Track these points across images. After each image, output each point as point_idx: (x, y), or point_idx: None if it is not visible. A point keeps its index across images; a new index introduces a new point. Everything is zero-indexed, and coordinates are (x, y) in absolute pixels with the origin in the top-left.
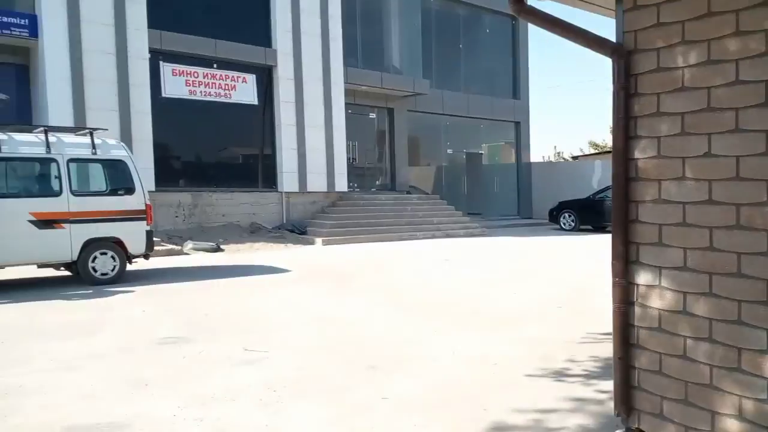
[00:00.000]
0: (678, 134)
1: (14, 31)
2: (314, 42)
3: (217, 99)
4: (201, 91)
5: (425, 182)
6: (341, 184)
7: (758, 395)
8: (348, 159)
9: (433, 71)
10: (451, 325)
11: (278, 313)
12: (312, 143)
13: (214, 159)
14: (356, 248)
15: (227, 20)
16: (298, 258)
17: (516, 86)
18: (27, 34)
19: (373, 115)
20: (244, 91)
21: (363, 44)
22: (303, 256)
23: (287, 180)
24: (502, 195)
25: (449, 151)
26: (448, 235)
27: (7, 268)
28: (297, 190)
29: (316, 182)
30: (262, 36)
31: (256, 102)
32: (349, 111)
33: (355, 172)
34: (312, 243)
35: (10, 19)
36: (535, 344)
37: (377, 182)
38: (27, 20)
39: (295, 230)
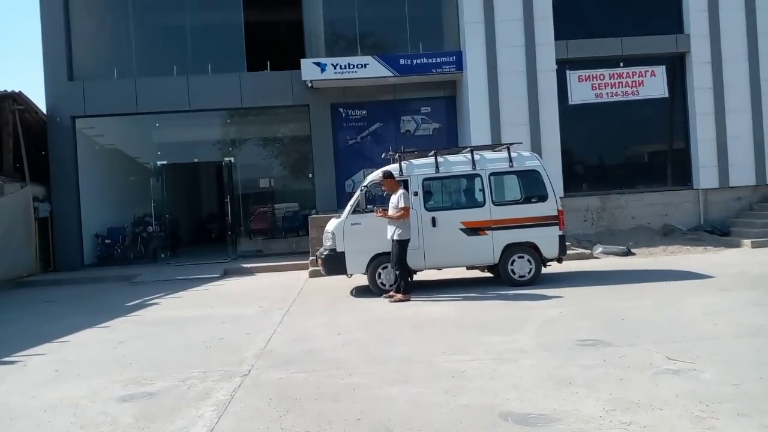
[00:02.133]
0: None
1: (445, 68)
2: (736, 16)
3: (624, 98)
4: (607, 93)
5: None
6: None
7: None
8: None
9: None
10: None
11: (700, 322)
12: (735, 131)
13: (621, 160)
14: None
15: (633, 15)
16: (720, 262)
17: None
18: (454, 69)
19: None
20: (652, 84)
21: None
22: (726, 260)
23: (704, 175)
24: None
25: None
26: None
27: (444, 270)
28: (716, 186)
29: (741, 175)
30: (673, 22)
31: (665, 94)
32: None
33: None
34: (738, 245)
35: (440, 59)
36: None
37: None
38: (454, 57)
39: (716, 231)
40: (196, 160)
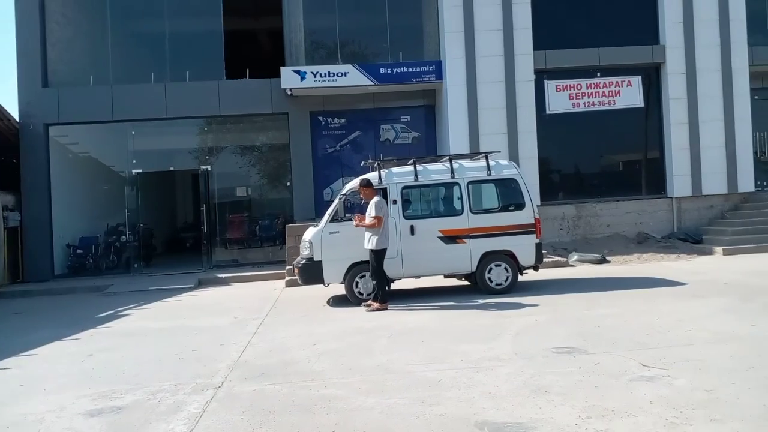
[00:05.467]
0: None
1: (425, 77)
2: (709, 28)
3: (601, 108)
4: (584, 102)
5: None
6: (746, 183)
7: None
8: (755, 153)
9: None
10: None
11: (674, 329)
12: (707, 141)
13: (597, 168)
14: (766, 258)
15: (610, 26)
16: (693, 269)
17: None
18: (433, 78)
19: None
20: (628, 94)
21: None
22: (699, 267)
23: (678, 184)
24: None
25: None
26: None
27: (421, 278)
28: (690, 194)
29: (713, 184)
30: (649, 34)
31: (641, 104)
32: (756, 97)
33: (763, 168)
34: (710, 253)
35: (420, 68)
36: None
37: None
38: (433, 66)
39: (689, 239)
40: (172, 169)
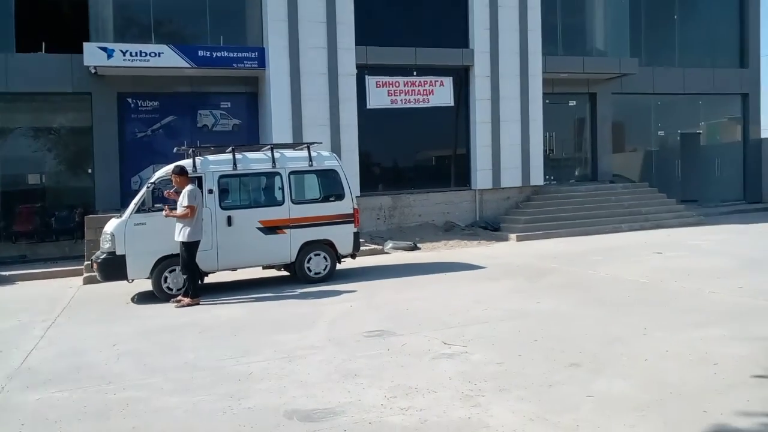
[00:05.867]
0: None
1: (247, 64)
2: (512, 36)
3: (416, 105)
4: (402, 99)
5: (631, 170)
6: (537, 177)
7: None
8: (544, 151)
9: (642, 48)
10: (662, 323)
11: (473, 309)
12: (506, 139)
13: (412, 162)
14: (552, 243)
15: (426, 27)
16: (491, 254)
17: (744, 53)
18: (256, 65)
19: (572, 103)
20: (441, 94)
21: (563, 30)
22: (496, 252)
23: (480, 177)
24: (724, 178)
25: (660, 133)
26: (658, 226)
27: (238, 270)
28: (490, 187)
29: (510, 178)
30: (460, 37)
31: (451, 104)
32: (547, 101)
33: (551, 164)
34: (505, 239)
35: (242, 54)
36: (764, 343)
37: (576, 173)
38: (257, 53)
39: (488, 227)
40: None
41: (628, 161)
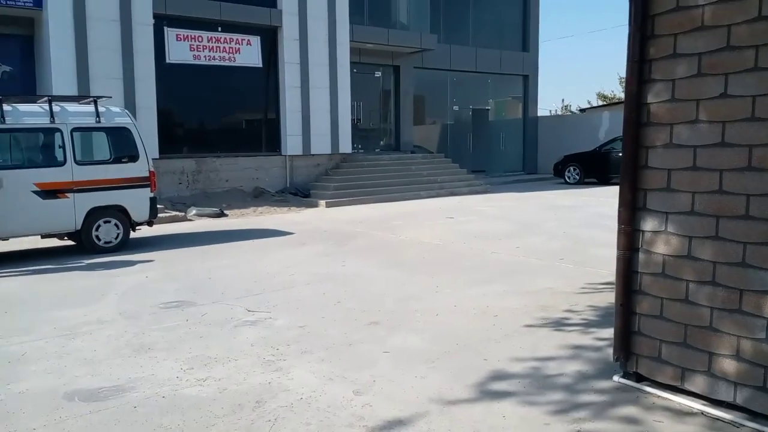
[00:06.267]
0: (694, 76)
1: (18, 2)
2: (320, 1)
3: (222, 63)
4: (205, 56)
5: (430, 141)
6: (345, 145)
7: (756, 335)
8: (352, 120)
9: (441, 25)
10: (453, 281)
11: (280, 274)
12: (316, 105)
13: (219, 124)
14: (359, 209)
15: None
16: (301, 220)
17: (525, 38)
18: (31, 5)
19: (378, 74)
20: (248, 53)
21: (370, 1)
22: (305, 218)
23: (291, 143)
24: (508, 151)
25: (455, 108)
26: (452, 193)
27: (11, 240)
28: (301, 153)
29: (320, 145)
30: None
31: (260, 65)
32: (354, 70)
33: (359, 133)
34: (315, 206)
35: None
36: (535, 296)
37: (381, 143)
38: None
39: (299, 193)
40: None
41: (428, 133)
